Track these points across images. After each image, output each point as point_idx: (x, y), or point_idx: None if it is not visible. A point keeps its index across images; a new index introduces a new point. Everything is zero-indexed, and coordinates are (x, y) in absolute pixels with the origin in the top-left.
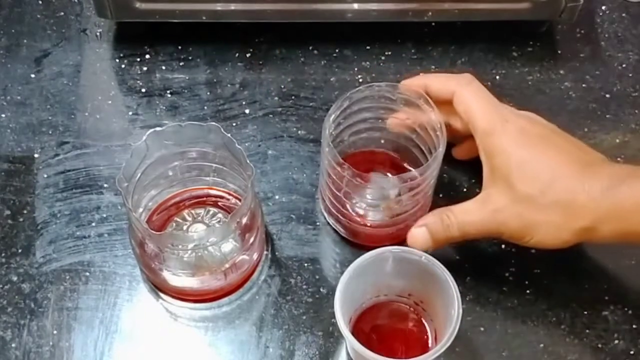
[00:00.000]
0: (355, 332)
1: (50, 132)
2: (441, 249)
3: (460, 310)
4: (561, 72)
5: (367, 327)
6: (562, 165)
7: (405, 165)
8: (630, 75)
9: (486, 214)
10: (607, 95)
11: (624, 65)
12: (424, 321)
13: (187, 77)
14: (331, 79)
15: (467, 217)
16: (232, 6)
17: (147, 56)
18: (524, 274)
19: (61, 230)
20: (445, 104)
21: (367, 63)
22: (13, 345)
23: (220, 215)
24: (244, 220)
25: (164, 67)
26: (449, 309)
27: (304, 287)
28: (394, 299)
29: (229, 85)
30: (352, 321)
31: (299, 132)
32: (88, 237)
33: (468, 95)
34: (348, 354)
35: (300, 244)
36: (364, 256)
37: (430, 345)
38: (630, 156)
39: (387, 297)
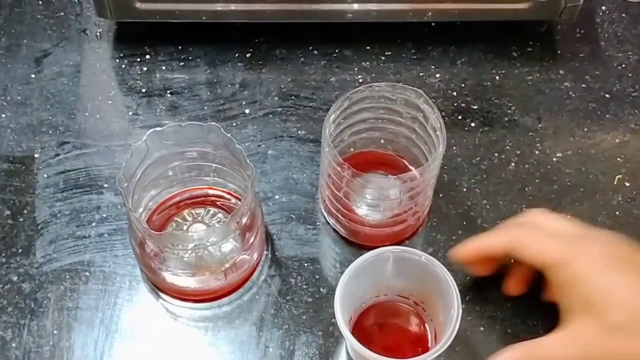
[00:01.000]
0: (355, 332)
1: (50, 132)
2: (441, 249)
3: (460, 310)
4: (561, 72)
5: (367, 327)
6: None
7: (405, 165)
8: (630, 75)
9: (578, 351)
10: (607, 95)
11: (623, 65)
12: (424, 321)
13: (187, 77)
14: (331, 79)
15: (557, 354)
16: (232, 6)
17: (147, 56)
18: None
19: (61, 230)
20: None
21: (367, 63)
22: (13, 345)
23: (220, 215)
24: (244, 220)
25: (164, 67)
26: (449, 309)
27: (304, 287)
28: (394, 299)
29: (229, 85)
30: (352, 321)
31: (299, 132)
32: (88, 237)
33: (527, 238)
34: (348, 353)
35: (300, 244)
36: (364, 256)
37: (430, 345)
38: (630, 156)
39: (387, 297)
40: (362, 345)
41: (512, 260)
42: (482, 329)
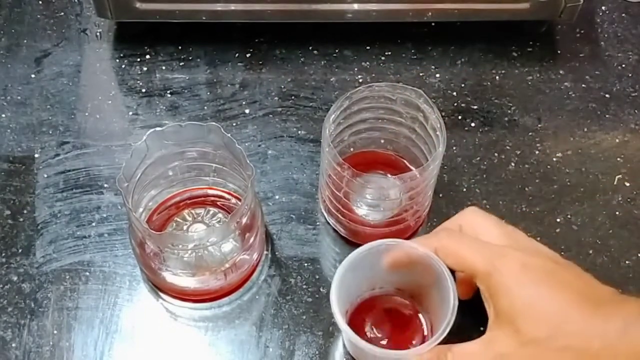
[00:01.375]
0: (352, 324)
1: (50, 132)
2: None
3: (457, 302)
4: (561, 72)
5: (363, 320)
6: (572, 306)
7: (405, 165)
8: (630, 75)
9: (490, 359)
10: (607, 95)
11: (623, 65)
12: (420, 314)
13: (187, 77)
14: (331, 79)
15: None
16: (232, 6)
17: (147, 56)
18: None
19: (61, 230)
20: None
21: (367, 63)
22: (13, 345)
23: (220, 215)
24: (244, 220)
25: (164, 67)
26: (445, 301)
27: (304, 287)
28: (391, 292)
29: (229, 85)
30: (348, 314)
31: (299, 132)
32: (88, 237)
33: (451, 246)
34: (344, 347)
35: (300, 244)
36: (359, 249)
37: (426, 338)
38: (630, 156)
39: (384, 289)
40: (358, 337)
41: None
42: (482, 328)
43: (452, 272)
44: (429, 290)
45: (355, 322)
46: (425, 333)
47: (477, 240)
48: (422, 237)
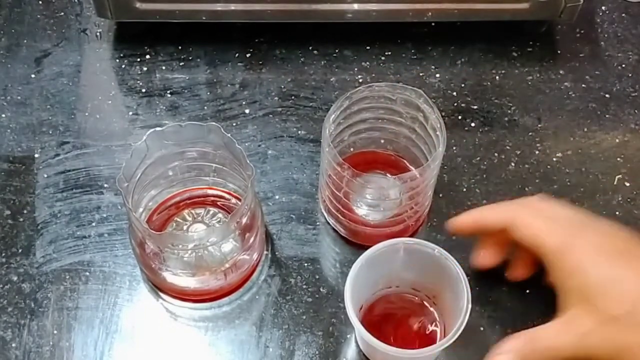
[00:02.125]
0: (365, 321)
1: (50, 132)
2: (443, 247)
3: (470, 305)
4: (561, 72)
5: (376, 318)
6: None
7: (405, 165)
8: (630, 75)
9: (574, 339)
10: (607, 95)
11: (623, 65)
12: (433, 314)
13: (187, 77)
14: (331, 79)
15: (554, 342)
16: (232, 6)
17: (147, 56)
18: None
19: (61, 230)
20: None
21: (367, 63)
22: (13, 345)
23: (220, 215)
24: (244, 220)
25: (164, 67)
26: (458, 303)
27: (304, 287)
28: (405, 291)
29: (229, 85)
30: (362, 310)
31: (299, 132)
32: (88, 237)
33: (529, 219)
34: (356, 343)
35: (300, 244)
36: (376, 246)
37: (438, 338)
38: (630, 156)
39: (399, 288)
40: (370, 335)
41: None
42: (481, 328)
43: (466, 274)
44: (444, 292)
45: (369, 319)
46: (438, 333)
47: (553, 217)
48: (490, 206)
